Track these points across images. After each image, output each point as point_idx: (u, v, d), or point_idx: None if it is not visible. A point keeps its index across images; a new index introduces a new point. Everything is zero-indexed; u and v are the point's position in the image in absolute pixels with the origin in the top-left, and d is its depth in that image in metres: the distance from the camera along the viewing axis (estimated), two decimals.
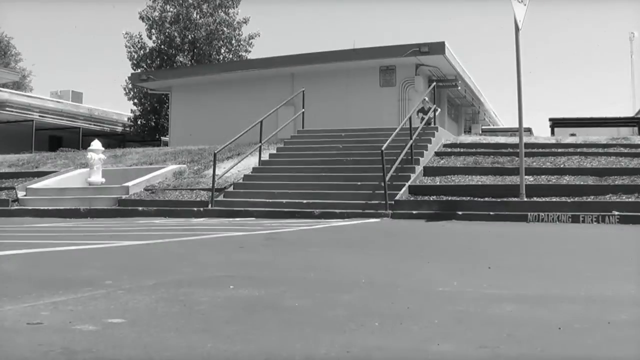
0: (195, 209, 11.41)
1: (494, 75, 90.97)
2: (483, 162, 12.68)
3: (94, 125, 32.77)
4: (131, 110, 32.02)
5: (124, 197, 12.53)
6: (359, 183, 11.71)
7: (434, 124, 15.37)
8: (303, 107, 16.24)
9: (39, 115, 29.63)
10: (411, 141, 12.15)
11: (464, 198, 10.72)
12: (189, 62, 30.25)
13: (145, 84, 25.39)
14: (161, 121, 30.22)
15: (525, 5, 10.59)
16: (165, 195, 12.54)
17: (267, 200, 11.45)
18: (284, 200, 11.34)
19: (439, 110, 15.03)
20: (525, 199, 10.25)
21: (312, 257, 5.29)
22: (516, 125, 12.64)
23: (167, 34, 30.34)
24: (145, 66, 30.40)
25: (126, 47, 31.25)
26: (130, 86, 30.86)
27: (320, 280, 3.86)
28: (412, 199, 11.00)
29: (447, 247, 6.46)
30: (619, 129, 23.25)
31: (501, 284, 3.73)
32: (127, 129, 32.14)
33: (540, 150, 13.23)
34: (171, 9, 30.64)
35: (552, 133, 23.25)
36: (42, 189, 13.56)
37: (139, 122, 31.32)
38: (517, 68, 10.66)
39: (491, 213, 9.96)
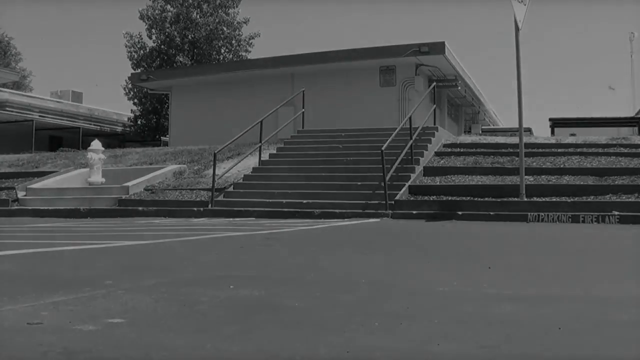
0: (195, 209, 11.41)
1: (494, 76, 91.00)
2: (483, 162, 12.68)
3: (94, 125, 32.76)
4: (131, 110, 32.01)
5: (124, 197, 12.52)
6: (359, 183, 11.71)
7: (435, 123, 15.34)
8: (303, 107, 16.23)
9: (39, 115, 29.63)
10: (411, 141, 12.15)
11: (464, 198, 10.72)
12: (189, 62, 30.24)
13: (145, 84, 25.38)
14: (161, 121, 30.21)
15: (525, 5, 10.59)
16: (165, 195, 12.54)
17: (267, 200, 11.45)
18: (284, 200, 11.34)
19: None
20: (525, 199, 10.25)
21: (312, 257, 5.28)
22: (516, 125, 12.64)
23: (167, 33, 30.33)
24: (145, 66, 30.39)
25: (126, 47, 31.26)
26: (130, 86, 30.86)
27: (320, 281, 3.86)
28: (412, 199, 11.00)
29: (447, 247, 6.46)
30: (619, 129, 23.23)
31: (501, 284, 3.73)
32: (127, 129, 32.13)
33: (540, 150, 13.23)
34: (171, 9, 30.64)
35: (552, 133, 23.24)
36: (42, 189, 13.55)
37: (139, 122, 31.31)
38: (517, 68, 10.65)
39: (491, 213, 9.96)
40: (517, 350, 2.17)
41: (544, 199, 10.28)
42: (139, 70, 29.09)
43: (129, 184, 12.98)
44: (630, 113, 31.30)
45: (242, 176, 13.09)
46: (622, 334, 2.43)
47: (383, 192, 10.67)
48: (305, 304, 3.01)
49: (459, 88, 22.64)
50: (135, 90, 30.69)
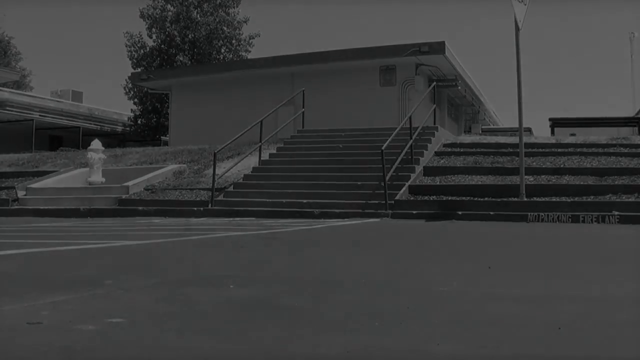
0: (195, 208, 11.41)
1: (494, 75, 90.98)
2: (483, 162, 12.68)
3: (94, 124, 32.77)
4: (131, 109, 32.02)
5: (124, 196, 12.52)
6: (359, 183, 11.71)
7: (435, 123, 15.34)
8: (303, 107, 16.23)
9: (39, 115, 29.64)
10: (411, 141, 12.15)
11: (464, 198, 10.72)
12: (189, 62, 30.24)
13: (145, 83, 25.39)
14: (161, 121, 30.20)
15: (525, 5, 10.59)
16: (165, 195, 12.54)
17: (267, 200, 11.45)
18: (284, 200, 11.34)
19: None
20: (525, 199, 10.25)
21: (312, 257, 5.29)
22: (516, 125, 12.64)
23: (167, 33, 30.33)
24: (145, 65, 30.39)
25: (126, 46, 31.27)
26: (130, 86, 30.86)
27: (320, 280, 3.86)
28: (412, 198, 11.00)
29: (447, 247, 6.46)
30: (619, 129, 23.23)
31: (501, 284, 3.73)
32: (127, 128, 32.13)
33: (540, 150, 13.23)
34: (172, 8, 30.63)
35: (552, 133, 23.25)
36: (42, 189, 13.55)
37: (139, 122, 31.31)
38: (517, 68, 10.65)
39: (491, 213, 9.95)
40: (517, 350, 2.17)
41: (544, 199, 10.28)
42: (139, 70, 29.10)
43: (129, 183, 12.98)
44: (630, 113, 31.28)
45: (242, 176, 13.09)
46: (622, 334, 2.43)
47: (383, 192, 10.67)
48: (305, 304, 3.01)
49: (459, 88, 22.65)
50: (135, 89, 30.69)
